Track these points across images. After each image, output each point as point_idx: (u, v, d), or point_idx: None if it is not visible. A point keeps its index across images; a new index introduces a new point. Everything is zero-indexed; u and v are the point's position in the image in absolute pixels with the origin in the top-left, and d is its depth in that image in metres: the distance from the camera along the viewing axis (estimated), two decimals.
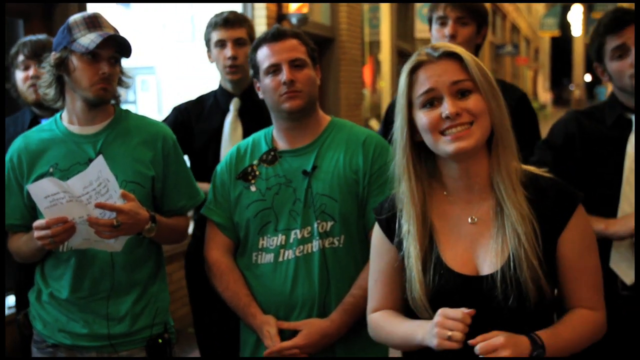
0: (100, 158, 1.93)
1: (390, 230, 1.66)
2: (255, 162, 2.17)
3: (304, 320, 2.06)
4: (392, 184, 1.75)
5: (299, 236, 2.06)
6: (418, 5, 10.89)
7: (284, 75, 2.07)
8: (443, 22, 2.62)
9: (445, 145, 1.53)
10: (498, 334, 1.43)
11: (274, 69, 2.10)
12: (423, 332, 1.51)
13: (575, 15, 30.42)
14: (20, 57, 2.77)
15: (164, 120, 2.91)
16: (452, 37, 2.57)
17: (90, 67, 2.05)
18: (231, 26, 2.86)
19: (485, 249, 1.56)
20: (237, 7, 6.11)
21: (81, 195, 1.91)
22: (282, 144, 2.17)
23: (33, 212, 2.15)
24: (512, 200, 1.53)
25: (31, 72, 2.73)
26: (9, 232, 2.22)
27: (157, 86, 6.33)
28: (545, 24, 26.08)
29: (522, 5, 24.82)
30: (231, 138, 2.84)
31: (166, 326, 2.22)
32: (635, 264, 2.20)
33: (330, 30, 7.87)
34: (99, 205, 1.92)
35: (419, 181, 1.59)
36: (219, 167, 2.26)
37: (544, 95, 35.79)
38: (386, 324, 1.67)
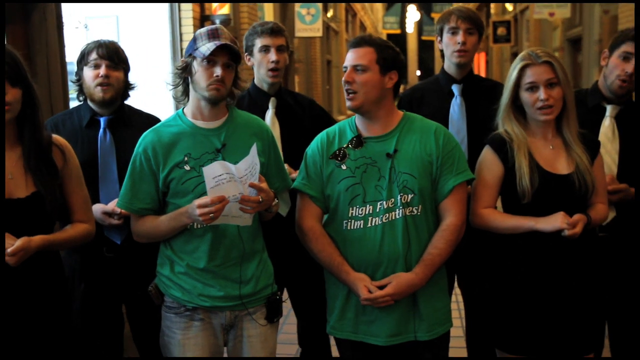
0: (255, 147, 2.31)
1: (501, 152, 2.62)
2: (344, 145, 2.60)
3: (392, 275, 2.50)
4: (459, 164, 2.57)
5: (385, 206, 2.51)
6: (297, 6, 11.49)
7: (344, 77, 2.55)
8: (455, 32, 3.15)
9: (538, 115, 2.60)
10: (579, 216, 2.53)
11: (345, 70, 2.57)
12: (538, 221, 2.53)
13: (412, 15, 32.43)
14: (93, 56, 2.93)
15: None
16: (463, 44, 3.12)
17: (206, 71, 2.40)
18: (275, 35, 3.24)
19: (560, 164, 2.61)
20: (164, 8, 6.33)
21: (242, 177, 2.27)
22: (365, 131, 2.61)
23: (163, 197, 2.47)
24: (576, 140, 2.62)
25: (102, 71, 2.91)
26: (134, 215, 2.50)
27: None
28: (387, 22, 27.73)
29: (366, 4, 26.18)
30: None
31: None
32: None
33: (232, 29, 8.21)
34: (252, 185, 2.30)
35: (519, 125, 2.65)
36: (309, 150, 2.66)
37: None
38: (500, 216, 2.65)
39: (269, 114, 3.28)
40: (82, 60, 2.98)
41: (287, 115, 3.31)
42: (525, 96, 2.60)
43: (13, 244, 2.17)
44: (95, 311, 2.94)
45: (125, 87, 3.03)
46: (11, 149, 2.31)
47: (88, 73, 2.95)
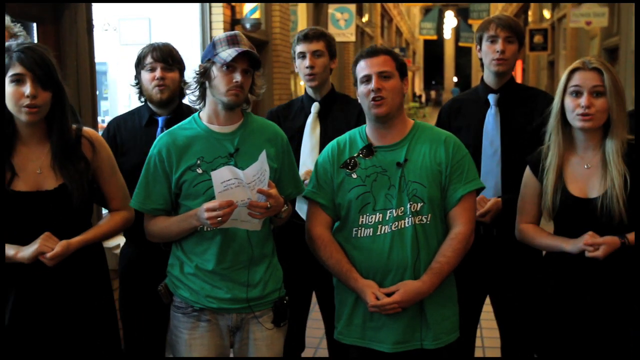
0: (264, 153, 2.34)
1: (536, 170, 2.65)
2: (355, 154, 2.62)
3: (399, 282, 2.51)
4: (468, 173, 2.55)
5: (394, 214, 2.52)
6: (330, 10, 11.54)
7: (372, 84, 2.54)
8: (494, 40, 3.08)
9: (576, 122, 2.53)
10: (608, 238, 2.44)
11: (366, 79, 2.56)
12: (567, 243, 2.51)
13: (449, 21, 32.26)
14: (149, 59, 3.10)
15: None
16: (502, 53, 3.06)
17: (226, 76, 2.45)
18: (310, 40, 3.29)
19: (592, 186, 2.53)
20: (195, 11, 6.42)
21: (250, 182, 2.30)
22: (375, 140, 2.62)
23: (175, 199, 2.52)
24: (615, 162, 2.50)
25: (157, 73, 3.07)
26: (147, 215, 2.56)
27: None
28: (424, 28, 27.62)
29: (403, 9, 26.15)
30: (311, 136, 3.28)
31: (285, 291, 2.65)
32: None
33: (264, 33, 8.27)
34: (260, 191, 2.33)
35: (562, 137, 2.57)
36: (320, 159, 2.69)
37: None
38: (537, 233, 2.68)
39: (310, 118, 3.33)
40: (139, 64, 3.15)
41: (331, 120, 3.34)
42: (568, 101, 2.54)
43: (53, 249, 2.29)
44: (141, 301, 3.10)
45: (182, 86, 3.17)
46: (40, 144, 2.42)
47: (145, 76, 3.13)
